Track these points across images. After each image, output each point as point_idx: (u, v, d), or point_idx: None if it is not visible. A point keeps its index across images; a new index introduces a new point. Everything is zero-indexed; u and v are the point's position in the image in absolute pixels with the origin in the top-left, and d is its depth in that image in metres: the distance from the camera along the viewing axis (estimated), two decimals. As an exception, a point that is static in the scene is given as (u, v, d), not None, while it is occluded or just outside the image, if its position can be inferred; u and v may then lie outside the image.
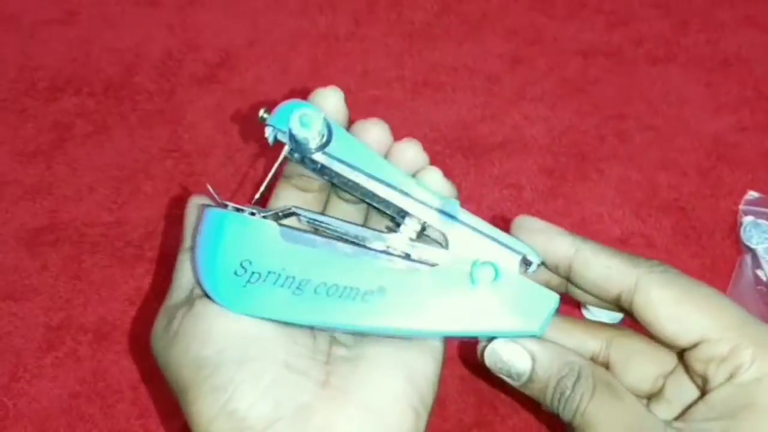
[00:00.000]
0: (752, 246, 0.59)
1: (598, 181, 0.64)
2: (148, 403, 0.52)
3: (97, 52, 0.72)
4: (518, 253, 0.35)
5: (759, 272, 0.58)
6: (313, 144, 0.37)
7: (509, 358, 0.35)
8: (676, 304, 0.35)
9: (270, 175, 0.38)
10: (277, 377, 0.33)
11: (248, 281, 0.34)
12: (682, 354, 0.38)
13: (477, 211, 0.66)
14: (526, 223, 0.38)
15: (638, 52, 0.72)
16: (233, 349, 0.34)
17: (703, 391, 0.36)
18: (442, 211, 0.36)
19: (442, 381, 0.53)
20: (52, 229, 0.60)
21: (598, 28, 0.74)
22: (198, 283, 0.37)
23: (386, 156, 0.39)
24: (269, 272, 0.34)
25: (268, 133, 0.38)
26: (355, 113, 0.70)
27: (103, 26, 0.74)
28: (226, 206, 0.36)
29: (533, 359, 0.35)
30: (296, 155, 0.38)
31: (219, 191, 0.37)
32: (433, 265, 0.35)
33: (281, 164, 0.39)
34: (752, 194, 0.62)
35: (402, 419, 0.34)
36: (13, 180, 0.63)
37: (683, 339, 0.36)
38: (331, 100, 0.39)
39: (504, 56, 0.72)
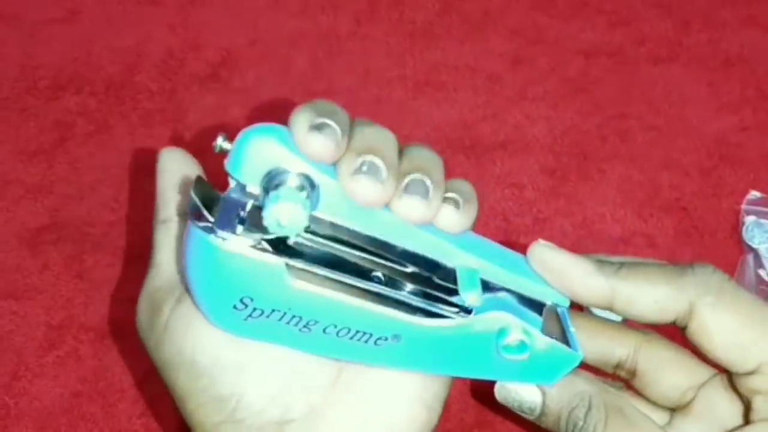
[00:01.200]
0: (754, 246, 0.59)
1: (599, 181, 0.64)
2: (149, 402, 0.52)
3: (98, 52, 0.72)
4: (545, 303, 0.33)
5: (761, 272, 0.58)
6: (294, 234, 0.29)
7: (518, 393, 0.34)
8: (734, 332, 0.32)
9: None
10: (285, 382, 0.32)
11: (249, 316, 0.30)
12: (727, 371, 0.35)
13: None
14: (546, 257, 0.33)
15: (640, 51, 0.72)
16: (232, 352, 0.31)
17: (747, 419, 0.34)
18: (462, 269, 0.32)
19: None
20: (53, 228, 0.60)
21: (600, 28, 0.74)
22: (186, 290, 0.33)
23: None
24: (273, 310, 0.30)
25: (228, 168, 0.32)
26: (357, 113, 0.70)
27: (105, 25, 0.74)
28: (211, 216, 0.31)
29: (543, 393, 0.34)
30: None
31: (220, 190, 0.36)
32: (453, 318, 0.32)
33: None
34: (754, 194, 0.62)
35: (415, 417, 0.33)
36: (14, 179, 0.63)
37: (739, 366, 0.33)
38: None
39: (505, 56, 0.72)
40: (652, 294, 0.33)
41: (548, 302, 0.33)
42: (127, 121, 0.67)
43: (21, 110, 0.67)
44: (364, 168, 0.29)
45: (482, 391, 0.53)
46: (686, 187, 0.63)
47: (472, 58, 0.72)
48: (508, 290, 0.33)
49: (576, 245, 0.60)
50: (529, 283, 0.33)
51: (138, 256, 0.59)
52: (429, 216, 0.30)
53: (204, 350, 0.32)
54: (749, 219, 0.60)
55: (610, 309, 0.33)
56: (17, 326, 0.56)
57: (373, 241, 0.31)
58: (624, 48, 0.72)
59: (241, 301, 0.30)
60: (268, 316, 0.30)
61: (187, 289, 0.32)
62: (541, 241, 0.33)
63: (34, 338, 0.55)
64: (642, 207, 0.62)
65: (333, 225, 0.30)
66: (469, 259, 0.32)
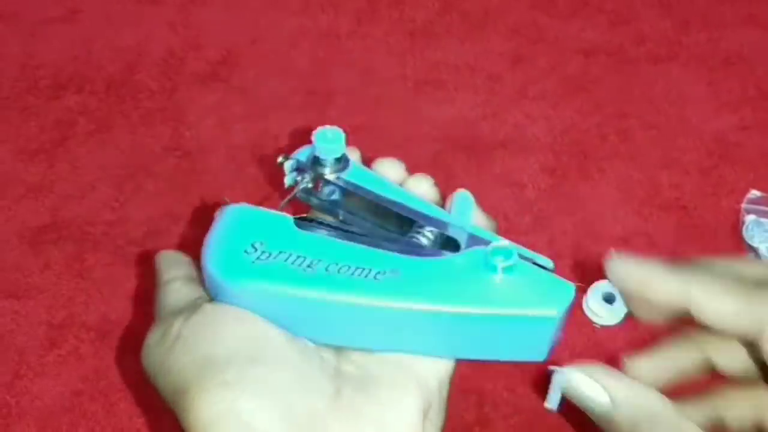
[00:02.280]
0: (754, 245, 0.59)
1: (599, 180, 0.64)
2: (150, 401, 0.52)
3: (99, 51, 0.72)
4: (529, 258, 0.35)
5: (761, 271, 0.58)
6: (332, 165, 0.38)
7: (585, 390, 0.34)
8: None
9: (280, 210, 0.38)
10: (291, 382, 0.32)
11: (258, 258, 0.33)
12: None
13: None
14: (620, 270, 0.34)
15: (640, 51, 0.72)
16: (245, 349, 0.32)
17: None
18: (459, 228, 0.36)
19: (444, 379, 0.54)
20: (54, 227, 0.60)
21: (600, 27, 0.74)
22: (204, 285, 0.36)
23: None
24: (280, 251, 0.33)
25: (288, 171, 0.39)
26: (357, 112, 0.70)
27: (105, 24, 0.74)
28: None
29: (611, 397, 0.33)
30: (309, 184, 0.38)
31: (220, 189, 0.37)
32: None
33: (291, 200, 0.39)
34: (754, 193, 0.62)
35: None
36: (15, 178, 0.63)
37: None
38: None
39: (506, 55, 0.72)
40: (723, 308, 0.32)
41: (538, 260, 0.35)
42: (127, 120, 0.67)
43: (22, 109, 0.67)
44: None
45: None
46: (686, 186, 0.63)
47: (472, 57, 0.72)
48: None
49: (576, 244, 0.60)
50: (524, 251, 0.35)
51: (139, 254, 0.59)
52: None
53: (217, 344, 0.32)
54: (749, 218, 0.60)
55: (687, 313, 0.33)
56: (18, 325, 0.56)
57: (382, 212, 0.37)
58: (624, 47, 0.72)
59: (252, 245, 0.34)
60: (275, 258, 0.33)
61: (205, 264, 0.35)
62: (615, 254, 0.34)
63: (36, 337, 0.55)
64: (642, 206, 0.62)
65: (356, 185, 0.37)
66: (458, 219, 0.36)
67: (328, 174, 0.37)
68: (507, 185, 0.63)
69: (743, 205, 0.61)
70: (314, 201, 0.39)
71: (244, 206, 0.36)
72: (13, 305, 0.56)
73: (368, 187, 0.37)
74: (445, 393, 0.36)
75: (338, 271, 0.33)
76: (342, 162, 0.38)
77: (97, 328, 0.56)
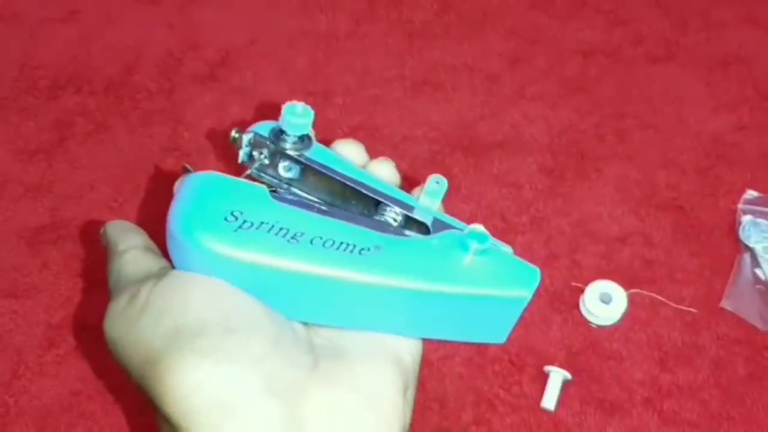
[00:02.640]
0: (751, 245, 0.59)
1: (597, 180, 0.64)
2: (149, 400, 0.53)
3: (97, 51, 0.72)
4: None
5: (758, 271, 0.58)
6: (295, 143, 0.37)
7: None
8: None
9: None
10: (269, 352, 0.30)
11: (240, 227, 0.32)
12: None
13: (476, 210, 0.66)
14: None
15: (638, 51, 0.72)
16: (219, 318, 0.30)
17: None
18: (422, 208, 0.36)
19: (442, 379, 0.54)
20: (53, 227, 0.61)
21: (598, 28, 0.74)
22: (168, 256, 0.34)
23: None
24: (262, 222, 0.33)
25: (243, 146, 0.38)
26: (355, 112, 0.70)
27: (104, 25, 0.74)
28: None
29: None
30: (266, 161, 0.38)
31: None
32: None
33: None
34: (751, 193, 0.62)
35: (394, 405, 0.32)
36: (14, 178, 0.63)
37: None
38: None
39: (504, 55, 0.72)
40: None
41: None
42: (126, 121, 0.67)
43: (20, 110, 0.68)
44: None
45: None
46: (683, 186, 0.63)
47: (470, 57, 0.72)
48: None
49: (573, 244, 0.60)
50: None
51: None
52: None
53: (188, 311, 0.31)
54: (746, 218, 0.60)
55: None
56: (17, 325, 0.56)
57: (340, 191, 0.37)
58: (622, 48, 0.73)
59: (232, 213, 0.33)
60: (257, 228, 0.33)
61: (174, 229, 0.34)
62: None
63: (34, 337, 0.55)
64: (639, 206, 0.62)
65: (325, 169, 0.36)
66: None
67: (290, 150, 0.36)
68: (504, 185, 0.63)
69: (740, 206, 0.61)
70: (269, 179, 0.38)
71: (213, 174, 0.34)
72: (12, 305, 0.57)
73: (332, 166, 0.37)
74: (417, 373, 0.35)
75: (323, 245, 0.33)
76: (305, 141, 0.37)
77: (95, 328, 0.55)
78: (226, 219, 0.32)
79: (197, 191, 0.34)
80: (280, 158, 0.38)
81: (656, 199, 0.62)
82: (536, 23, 0.75)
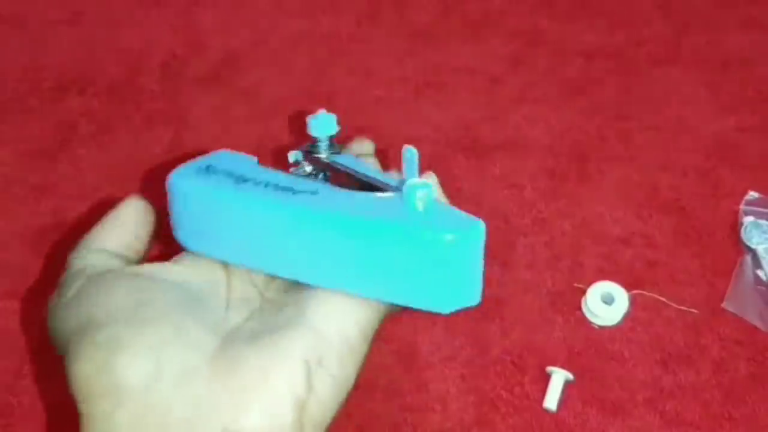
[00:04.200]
0: (752, 246, 0.59)
1: (599, 182, 0.64)
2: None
3: (101, 53, 0.72)
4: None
5: (759, 272, 0.58)
6: (328, 148, 0.42)
7: None
8: None
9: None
10: (166, 339, 0.33)
11: (204, 171, 0.38)
12: None
13: (478, 211, 0.66)
14: None
15: (639, 53, 0.73)
16: (124, 310, 0.33)
17: None
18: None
19: (444, 380, 0.54)
20: (56, 228, 0.61)
21: (600, 30, 0.74)
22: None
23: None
24: (223, 170, 0.38)
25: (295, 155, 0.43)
26: (358, 114, 0.70)
27: (108, 27, 0.74)
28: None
29: None
30: (306, 160, 0.42)
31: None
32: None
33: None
34: (752, 194, 0.62)
35: (285, 390, 0.32)
36: (17, 179, 0.64)
37: None
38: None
39: (506, 57, 0.72)
40: None
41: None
42: (129, 122, 0.67)
43: (24, 111, 0.68)
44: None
45: None
46: (685, 187, 0.63)
47: (472, 59, 0.72)
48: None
49: (575, 245, 0.60)
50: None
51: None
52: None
53: (99, 305, 0.34)
54: (747, 219, 0.60)
55: None
56: (20, 325, 0.56)
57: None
58: (624, 49, 0.73)
59: (212, 166, 0.39)
60: (215, 172, 0.38)
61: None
62: None
63: (38, 338, 0.55)
64: (641, 207, 0.62)
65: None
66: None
67: (323, 155, 0.42)
68: (507, 187, 0.63)
69: (742, 207, 0.61)
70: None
71: (226, 151, 0.40)
72: (15, 305, 0.57)
73: (342, 162, 0.42)
74: (353, 347, 0.35)
75: (264, 186, 0.37)
76: (334, 145, 0.42)
77: (99, 329, 0.56)
78: (206, 168, 0.38)
79: (203, 158, 0.40)
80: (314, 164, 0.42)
81: (658, 201, 0.63)
82: (538, 25, 0.75)
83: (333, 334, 0.34)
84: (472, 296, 0.35)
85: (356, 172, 0.40)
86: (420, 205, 0.34)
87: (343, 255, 0.35)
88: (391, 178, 0.40)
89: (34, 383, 0.53)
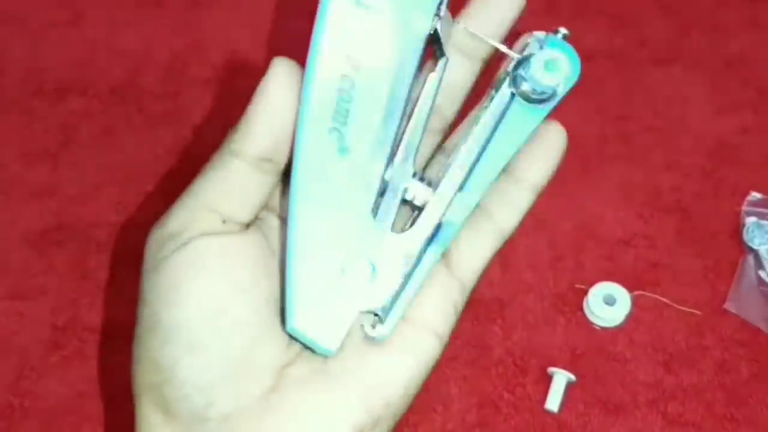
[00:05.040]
0: (755, 247, 0.59)
1: (600, 182, 0.64)
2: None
3: (103, 54, 0.72)
4: None
5: (762, 273, 0.58)
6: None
7: None
8: None
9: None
10: (224, 372, 0.30)
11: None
12: None
13: (480, 212, 0.66)
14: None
15: (641, 53, 0.72)
16: (191, 330, 0.30)
17: None
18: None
19: (446, 381, 0.54)
20: (58, 229, 0.61)
21: (601, 30, 0.74)
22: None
23: None
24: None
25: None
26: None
27: (109, 28, 0.74)
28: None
29: None
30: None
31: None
32: None
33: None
34: (755, 195, 0.62)
35: None
36: (19, 181, 0.64)
37: None
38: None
39: (507, 58, 0.72)
40: None
41: None
42: (131, 124, 0.67)
43: (26, 113, 0.68)
44: None
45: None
46: (687, 188, 0.63)
47: (473, 60, 0.72)
48: None
49: (576, 246, 0.60)
50: None
51: (143, 257, 0.59)
52: None
53: (175, 311, 0.31)
54: (750, 220, 0.60)
55: None
56: (22, 327, 0.56)
57: None
58: (625, 50, 0.73)
59: None
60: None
61: None
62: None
63: (39, 339, 0.55)
64: (643, 208, 0.62)
65: None
66: None
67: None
68: (508, 188, 0.63)
69: (744, 208, 0.61)
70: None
71: None
72: (17, 307, 0.57)
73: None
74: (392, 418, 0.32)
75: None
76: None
77: (101, 330, 0.56)
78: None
79: None
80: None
81: (660, 202, 0.63)
82: (539, 26, 0.75)
83: (378, 404, 0.31)
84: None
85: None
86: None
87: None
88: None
89: (35, 384, 0.53)
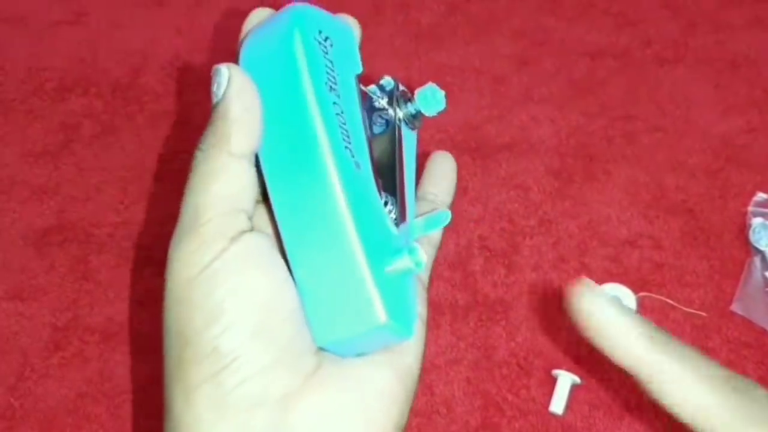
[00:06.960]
0: (761, 248, 0.58)
1: (605, 183, 0.63)
2: (154, 403, 0.52)
3: (104, 54, 0.72)
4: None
5: (768, 274, 0.58)
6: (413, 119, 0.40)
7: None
8: None
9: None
10: (277, 357, 0.31)
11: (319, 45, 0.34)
12: None
13: (484, 212, 0.66)
14: (589, 307, 0.30)
15: (646, 53, 0.72)
16: (252, 315, 0.31)
17: None
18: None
19: (449, 383, 0.53)
20: (59, 229, 0.60)
21: (606, 30, 0.74)
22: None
23: None
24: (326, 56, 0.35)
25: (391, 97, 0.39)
26: (362, 114, 0.70)
27: (111, 28, 0.74)
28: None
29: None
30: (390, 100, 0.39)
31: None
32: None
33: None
34: (761, 196, 0.61)
35: (389, 416, 0.32)
36: (20, 180, 0.63)
37: None
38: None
39: (511, 57, 0.72)
40: (699, 398, 0.28)
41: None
42: (132, 123, 0.67)
43: (27, 112, 0.68)
44: None
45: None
46: (692, 188, 0.63)
47: (477, 59, 0.72)
48: None
49: (581, 247, 0.60)
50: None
51: (144, 257, 0.59)
52: None
53: (235, 299, 0.31)
54: (756, 221, 0.59)
55: (643, 383, 0.29)
56: (23, 327, 0.56)
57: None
58: (630, 49, 0.72)
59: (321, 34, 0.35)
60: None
61: None
62: (586, 284, 0.29)
63: (40, 339, 0.55)
64: (648, 209, 0.62)
65: None
66: None
67: (403, 118, 0.40)
68: (512, 187, 0.63)
69: (750, 208, 0.61)
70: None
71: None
72: (18, 307, 0.57)
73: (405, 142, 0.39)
74: (419, 373, 0.35)
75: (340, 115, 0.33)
76: (419, 121, 0.40)
77: (101, 331, 0.56)
78: (315, 38, 0.33)
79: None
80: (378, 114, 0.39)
81: (665, 202, 0.62)
82: (543, 25, 0.75)
83: (411, 362, 0.34)
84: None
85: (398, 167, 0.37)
86: (402, 265, 0.33)
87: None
88: (416, 206, 0.38)
89: (36, 385, 0.53)
